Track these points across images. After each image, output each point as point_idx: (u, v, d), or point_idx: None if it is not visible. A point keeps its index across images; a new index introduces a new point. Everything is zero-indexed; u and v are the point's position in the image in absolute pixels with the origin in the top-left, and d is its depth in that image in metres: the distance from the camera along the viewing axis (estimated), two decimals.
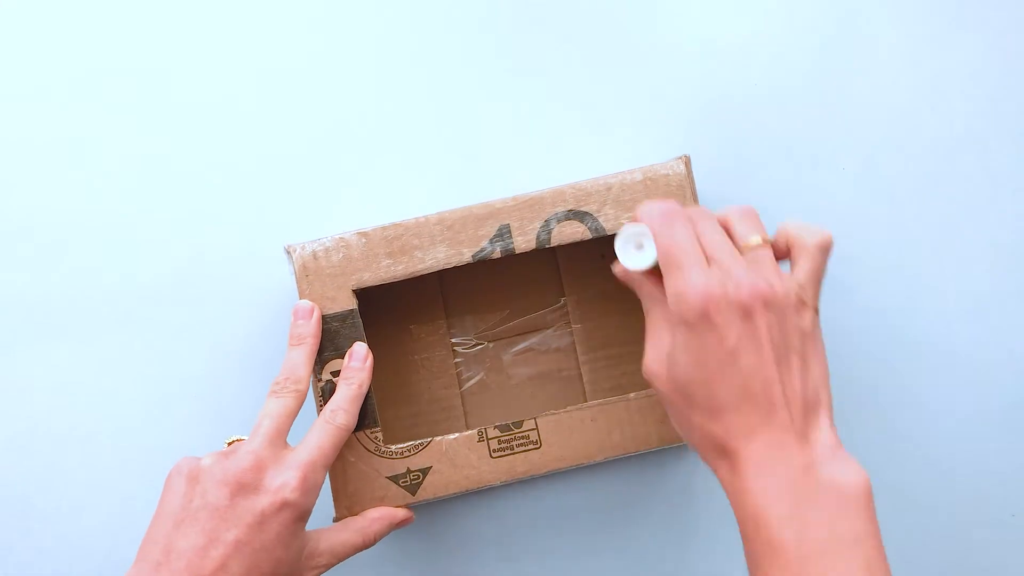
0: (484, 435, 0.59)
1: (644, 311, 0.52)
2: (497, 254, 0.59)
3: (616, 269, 0.53)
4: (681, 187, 0.59)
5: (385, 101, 0.67)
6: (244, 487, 0.51)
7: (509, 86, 0.67)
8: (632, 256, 0.52)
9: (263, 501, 0.51)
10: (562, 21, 0.67)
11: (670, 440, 0.59)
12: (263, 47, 0.67)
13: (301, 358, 0.57)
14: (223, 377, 0.65)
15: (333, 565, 0.56)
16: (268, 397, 0.56)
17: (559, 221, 0.59)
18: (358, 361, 0.58)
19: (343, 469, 0.59)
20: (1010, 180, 0.66)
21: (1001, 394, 0.66)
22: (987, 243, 0.66)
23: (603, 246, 0.61)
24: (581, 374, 0.66)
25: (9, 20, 0.67)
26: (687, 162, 0.59)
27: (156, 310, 0.66)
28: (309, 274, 0.59)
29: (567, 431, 0.59)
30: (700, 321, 0.47)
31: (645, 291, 0.52)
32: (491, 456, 0.59)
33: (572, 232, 0.59)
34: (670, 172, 0.59)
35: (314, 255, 0.59)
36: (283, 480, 0.52)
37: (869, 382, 0.66)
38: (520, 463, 0.59)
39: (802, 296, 0.49)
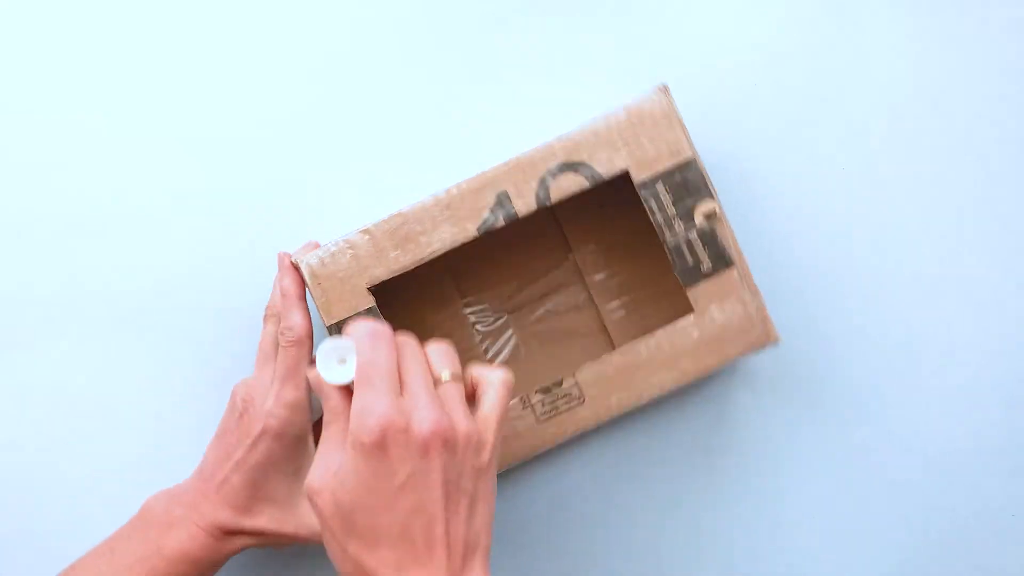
0: (527, 401, 0.59)
1: (324, 424, 0.52)
2: (501, 222, 0.59)
3: (310, 374, 0.53)
4: (667, 116, 0.59)
5: (367, 95, 0.66)
6: (247, 410, 0.58)
7: (499, 74, 0.66)
8: (332, 369, 0.52)
9: (256, 427, 0.57)
10: (561, 18, 0.66)
11: (706, 370, 0.60)
12: (258, 50, 0.66)
13: (291, 362, 0.58)
14: (223, 378, 0.64)
15: None
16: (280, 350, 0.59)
17: (554, 176, 0.59)
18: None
19: None
20: (1010, 180, 0.67)
21: (1001, 394, 0.67)
22: (987, 243, 0.67)
23: (602, 195, 0.61)
24: (605, 326, 0.66)
25: (9, 21, 0.66)
26: (666, 90, 0.59)
27: (156, 312, 0.65)
28: (321, 282, 0.59)
29: (607, 380, 0.59)
30: (375, 448, 0.48)
31: (331, 404, 0.52)
32: (537, 421, 0.59)
33: (569, 184, 0.59)
34: (653, 104, 0.59)
35: (321, 262, 0.58)
36: (267, 408, 0.57)
37: (868, 381, 0.67)
38: (568, 421, 0.59)
39: (484, 434, 0.50)
